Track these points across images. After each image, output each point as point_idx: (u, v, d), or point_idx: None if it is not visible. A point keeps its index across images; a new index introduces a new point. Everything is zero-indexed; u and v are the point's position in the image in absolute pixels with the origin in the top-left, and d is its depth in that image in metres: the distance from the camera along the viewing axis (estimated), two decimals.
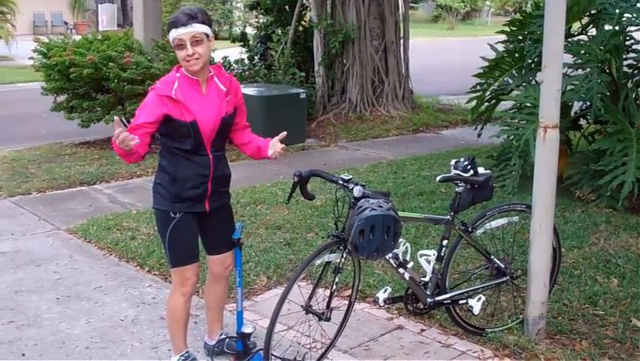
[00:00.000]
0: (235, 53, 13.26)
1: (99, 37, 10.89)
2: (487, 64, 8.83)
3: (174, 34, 3.73)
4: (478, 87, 8.99)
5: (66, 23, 35.20)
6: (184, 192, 3.85)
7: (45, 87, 10.30)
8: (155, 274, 5.68)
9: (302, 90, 10.88)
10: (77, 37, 11.42)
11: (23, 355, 4.43)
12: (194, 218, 3.94)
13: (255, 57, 13.33)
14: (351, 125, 11.99)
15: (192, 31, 3.71)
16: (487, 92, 9.05)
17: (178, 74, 3.83)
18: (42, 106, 11.45)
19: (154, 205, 3.98)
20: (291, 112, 10.30)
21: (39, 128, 12.03)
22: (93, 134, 10.83)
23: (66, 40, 10.58)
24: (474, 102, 9.20)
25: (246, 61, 12.90)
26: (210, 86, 3.90)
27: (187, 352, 4.15)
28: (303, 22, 13.32)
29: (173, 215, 3.87)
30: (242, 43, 13.82)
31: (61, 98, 10.40)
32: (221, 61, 11.33)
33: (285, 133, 4.10)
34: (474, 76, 9.04)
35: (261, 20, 14.38)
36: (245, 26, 17.46)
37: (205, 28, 3.75)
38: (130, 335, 4.69)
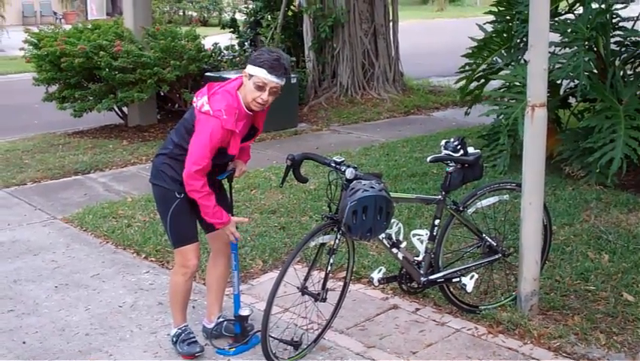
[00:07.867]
0: (225, 39, 13.23)
1: (89, 26, 10.88)
2: (475, 44, 8.86)
3: (264, 75, 3.83)
4: (467, 67, 9.02)
5: (55, 13, 35.01)
6: None
7: (37, 78, 10.27)
8: (152, 261, 5.73)
9: (293, 75, 10.86)
10: (67, 27, 11.38)
11: (24, 343, 4.47)
12: (192, 200, 4.05)
13: (245, 43, 13.32)
14: (342, 109, 12.01)
15: (278, 84, 3.88)
16: (477, 73, 9.08)
17: (236, 104, 3.90)
18: (34, 97, 11.41)
19: (155, 182, 4.10)
20: (282, 97, 9.99)
21: (32, 119, 12.01)
22: (86, 123, 10.85)
23: (57, 30, 10.55)
24: (463, 82, 9.23)
25: (237, 47, 12.89)
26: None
27: (185, 326, 4.32)
28: (292, 7, 13.30)
29: (177, 195, 4.01)
30: (232, 29, 13.79)
31: (53, 88, 10.38)
32: (212, 47, 11.33)
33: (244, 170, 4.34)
34: (463, 56, 9.07)
35: (251, 6, 14.34)
36: (234, 12, 17.42)
37: (283, 83, 3.91)
38: (129, 320, 4.74)
